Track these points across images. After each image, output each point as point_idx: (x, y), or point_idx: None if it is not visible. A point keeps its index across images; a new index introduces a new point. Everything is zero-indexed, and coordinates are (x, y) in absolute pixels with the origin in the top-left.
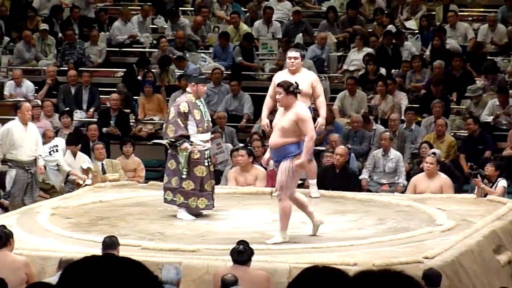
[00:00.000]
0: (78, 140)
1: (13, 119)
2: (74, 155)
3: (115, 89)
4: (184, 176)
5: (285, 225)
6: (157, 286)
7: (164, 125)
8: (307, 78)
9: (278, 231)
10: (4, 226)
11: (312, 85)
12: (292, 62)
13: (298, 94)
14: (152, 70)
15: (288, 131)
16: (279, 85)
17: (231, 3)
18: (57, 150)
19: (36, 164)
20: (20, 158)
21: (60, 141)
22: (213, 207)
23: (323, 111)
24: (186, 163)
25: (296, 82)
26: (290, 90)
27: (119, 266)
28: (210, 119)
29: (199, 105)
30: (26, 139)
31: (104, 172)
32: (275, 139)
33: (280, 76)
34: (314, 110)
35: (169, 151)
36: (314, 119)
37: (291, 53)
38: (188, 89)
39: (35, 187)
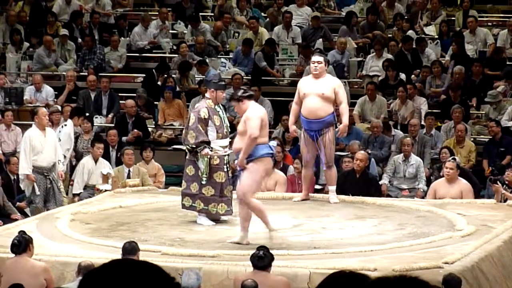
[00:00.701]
0: None
1: (32, 124)
2: (96, 160)
3: (135, 95)
4: (203, 182)
5: (246, 227)
6: None
7: (184, 131)
8: (330, 84)
9: (239, 232)
10: (24, 232)
11: (335, 90)
12: (316, 67)
13: (250, 98)
14: (172, 76)
15: (244, 134)
16: (231, 100)
17: (251, 9)
18: None
19: (55, 170)
20: (40, 164)
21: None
22: (233, 212)
23: (345, 118)
24: (206, 169)
25: (242, 88)
26: (241, 96)
27: (139, 270)
28: (229, 124)
29: (218, 111)
30: (45, 144)
31: (129, 178)
32: (236, 143)
33: (304, 82)
34: (337, 116)
35: (187, 157)
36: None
37: (315, 58)
38: (207, 94)
39: (57, 192)
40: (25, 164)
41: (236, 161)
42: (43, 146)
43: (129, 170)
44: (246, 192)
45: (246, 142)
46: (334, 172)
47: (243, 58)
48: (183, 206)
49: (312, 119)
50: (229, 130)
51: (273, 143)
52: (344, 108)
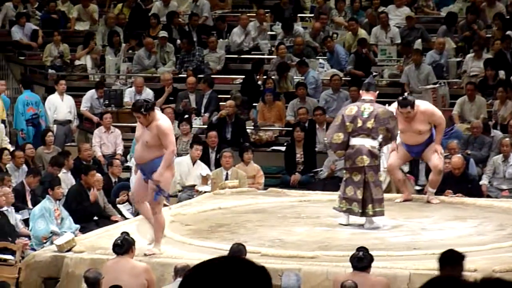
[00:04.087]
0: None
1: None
2: (194, 162)
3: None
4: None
5: (159, 237)
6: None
7: (379, 129)
8: (423, 119)
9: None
10: (127, 233)
11: (429, 120)
12: (407, 117)
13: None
14: (272, 77)
15: (152, 146)
16: (134, 110)
17: (350, 10)
18: None
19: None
20: None
21: None
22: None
23: (438, 138)
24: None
25: (145, 100)
26: (146, 109)
27: (240, 267)
28: None
29: None
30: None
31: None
32: (141, 154)
33: (400, 120)
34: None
35: (366, 165)
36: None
37: (402, 110)
38: (371, 97)
39: None
40: None
41: (154, 175)
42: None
43: (227, 173)
44: (160, 203)
45: (167, 157)
46: (440, 178)
47: (344, 57)
48: (351, 212)
49: (413, 145)
50: None
51: None
52: (440, 130)
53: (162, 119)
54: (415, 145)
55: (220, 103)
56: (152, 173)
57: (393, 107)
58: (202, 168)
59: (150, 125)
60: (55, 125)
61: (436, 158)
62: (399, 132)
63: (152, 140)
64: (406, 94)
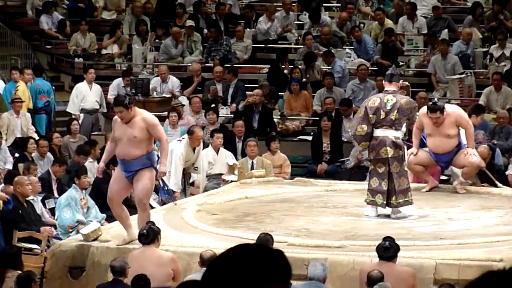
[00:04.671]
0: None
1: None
2: (217, 150)
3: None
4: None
5: (130, 224)
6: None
7: (402, 120)
8: (451, 122)
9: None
10: (152, 223)
11: (456, 123)
12: (435, 122)
13: None
14: (299, 67)
15: (141, 141)
16: (117, 104)
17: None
18: None
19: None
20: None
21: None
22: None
23: (470, 144)
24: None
25: (127, 94)
26: (129, 102)
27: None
28: None
29: None
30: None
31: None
32: (128, 150)
33: (428, 124)
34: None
35: (390, 156)
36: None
37: (432, 115)
38: (394, 88)
39: (187, 185)
40: (175, 180)
41: (159, 168)
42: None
43: (252, 162)
44: (147, 196)
45: (164, 147)
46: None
47: (372, 47)
48: (393, 206)
49: (441, 153)
50: None
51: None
52: (469, 134)
53: (146, 113)
54: (444, 154)
55: (247, 93)
56: (139, 170)
57: (422, 111)
58: (226, 155)
59: (133, 120)
60: (82, 114)
61: (473, 157)
62: (427, 137)
63: (141, 133)
64: (435, 99)
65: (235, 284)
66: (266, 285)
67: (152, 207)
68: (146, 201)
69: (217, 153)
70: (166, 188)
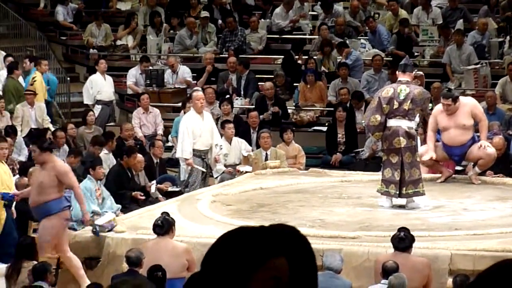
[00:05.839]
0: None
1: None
2: (229, 141)
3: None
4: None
5: (83, 275)
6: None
7: (415, 110)
8: (466, 112)
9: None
10: (167, 213)
11: (472, 113)
12: (447, 108)
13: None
14: (314, 57)
15: (49, 187)
16: (33, 143)
17: None
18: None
19: (211, 153)
20: (197, 147)
21: None
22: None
23: (483, 135)
24: None
25: (49, 138)
26: (45, 146)
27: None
28: None
29: None
30: (203, 128)
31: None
32: (35, 197)
33: (441, 115)
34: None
35: (403, 146)
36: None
37: (443, 100)
38: (408, 78)
39: (208, 176)
40: (185, 147)
41: (83, 217)
42: (202, 130)
43: (266, 153)
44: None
45: (79, 192)
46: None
47: (386, 37)
48: (407, 196)
49: (454, 146)
50: None
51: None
52: (483, 126)
53: (57, 161)
54: (457, 147)
55: (260, 83)
56: (45, 217)
57: (436, 110)
58: (239, 144)
59: (45, 167)
60: (98, 105)
61: (488, 148)
62: (442, 131)
63: (49, 180)
64: (451, 88)
65: (234, 259)
66: (268, 258)
67: (174, 193)
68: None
69: (230, 143)
70: (98, 229)
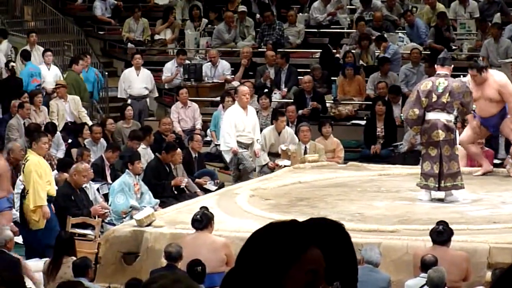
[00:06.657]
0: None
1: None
2: (279, 132)
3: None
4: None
5: None
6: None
7: (453, 103)
8: (493, 88)
9: None
10: (206, 208)
11: (499, 91)
12: (474, 79)
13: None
14: (352, 51)
15: None
16: None
17: None
18: None
19: (252, 148)
20: (240, 141)
21: None
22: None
23: None
24: None
25: None
26: None
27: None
28: None
29: None
30: (246, 123)
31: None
32: None
33: (472, 85)
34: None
35: (442, 139)
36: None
37: (470, 71)
38: (446, 71)
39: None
40: (228, 140)
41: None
42: (245, 124)
43: (305, 147)
44: None
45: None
46: None
47: (424, 31)
48: (446, 188)
49: (487, 117)
50: None
51: None
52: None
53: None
54: (490, 117)
55: (299, 77)
56: None
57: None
58: (288, 134)
59: None
60: (129, 100)
61: None
62: (475, 102)
63: None
64: (480, 59)
65: (266, 257)
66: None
67: (209, 190)
68: None
69: (279, 134)
70: None
